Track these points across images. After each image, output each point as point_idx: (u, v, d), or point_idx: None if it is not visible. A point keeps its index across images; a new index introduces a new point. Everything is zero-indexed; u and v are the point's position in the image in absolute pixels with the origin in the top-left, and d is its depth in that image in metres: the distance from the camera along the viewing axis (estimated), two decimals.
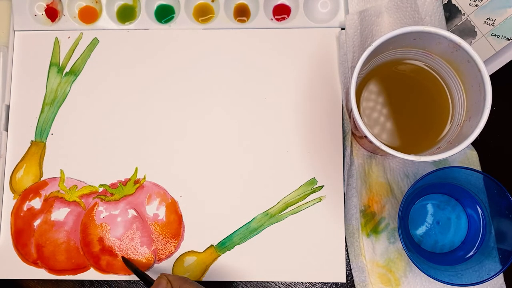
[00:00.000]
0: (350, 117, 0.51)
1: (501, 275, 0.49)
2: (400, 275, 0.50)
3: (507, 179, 0.46)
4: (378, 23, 0.51)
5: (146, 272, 0.51)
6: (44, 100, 0.53)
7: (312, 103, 0.52)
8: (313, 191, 0.51)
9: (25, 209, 0.52)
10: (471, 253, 0.48)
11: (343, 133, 0.52)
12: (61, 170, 0.52)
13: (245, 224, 0.51)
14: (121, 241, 0.51)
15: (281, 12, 0.54)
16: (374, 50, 0.42)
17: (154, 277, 0.50)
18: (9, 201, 0.52)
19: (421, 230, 0.50)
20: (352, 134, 0.51)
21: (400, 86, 0.48)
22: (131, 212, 0.52)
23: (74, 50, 0.54)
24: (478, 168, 0.51)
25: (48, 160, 0.52)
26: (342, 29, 0.53)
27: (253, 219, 0.51)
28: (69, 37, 0.54)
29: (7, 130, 0.53)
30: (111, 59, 0.54)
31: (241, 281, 0.51)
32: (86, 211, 0.52)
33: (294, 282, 0.51)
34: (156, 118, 0.53)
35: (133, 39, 0.54)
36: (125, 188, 0.52)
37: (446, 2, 0.51)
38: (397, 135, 0.47)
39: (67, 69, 0.54)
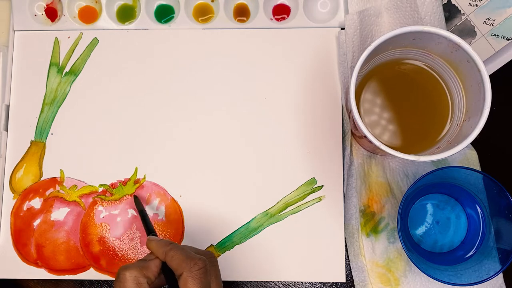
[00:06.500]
0: (349, 117, 0.51)
1: (501, 275, 0.49)
2: (399, 274, 0.50)
3: (507, 179, 0.46)
4: (378, 23, 0.51)
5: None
6: (44, 100, 0.53)
7: (312, 103, 0.52)
8: (313, 191, 0.51)
9: (25, 209, 0.52)
10: (470, 253, 0.48)
11: (343, 133, 0.52)
12: (61, 170, 0.52)
13: (245, 224, 0.51)
14: (120, 241, 0.51)
15: (280, 12, 0.54)
16: (374, 50, 0.42)
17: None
18: (9, 201, 0.52)
19: (420, 230, 0.50)
20: (351, 134, 0.51)
21: (400, 86, 0.48)
22: (131, 212, 0.52)
23: (74, 50, 0.54)
24: (478, 168, 0.51)
25: (48, 160, 0.53)
26: (342, 29, 0.53)
27: (253, 219, 0.51)
28: (69, 37, 0.54)
29: (7, 130, 0.53)
30: (111, 59, 0.54)
31: (241, 281, 0.51)
32: (85, 211, 0.52)
33: (294, 282, 0.51)
34: (156, 118, 0.53)
35: (133, 39, 0.54)
36: (125, 188, 0.52)
37: (445, 2, 0.51)
38: (397, 135, 0.47)
39: (67, 69, 0.54)
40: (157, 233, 0.51)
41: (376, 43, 0.42)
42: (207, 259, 0.40)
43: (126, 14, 0.55)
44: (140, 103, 0.53)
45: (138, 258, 0.51)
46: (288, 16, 0.54)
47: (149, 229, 0.46)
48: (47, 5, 0.55)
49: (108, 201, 0.52)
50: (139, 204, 0.50)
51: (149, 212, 0.52)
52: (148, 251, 0.51)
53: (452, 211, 0.50)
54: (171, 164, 0.52)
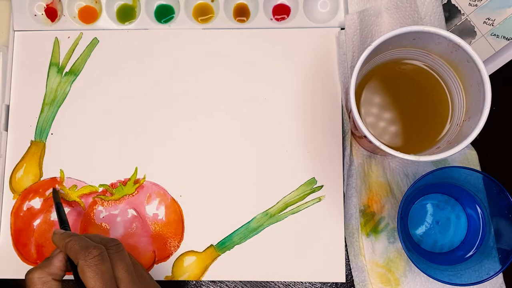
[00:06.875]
0: (349, 117, 0.51)
1: (501, 274, 0.49)
2: (399, 274, 0.50)
3: (507, 179, 0.46)
4: (378, 23, 0.51)
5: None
6: (44, 100, 0.53)
7: (312, 103, 0.52)
8: (313, 191, 0.51)
9: (25, 209, 0.52)
10: (470, 253, 0.48)
11: (343, 133, 0.52)
12: (61, 170, 0.52)
13: (244, 224, 0.51)
14: (121, 241, 0.51)
15: (280, 12, 0.54)
16: (374, 50, 0.42)
17: (154, 277, 0.51)
18: (9, 201, 0.52)
19: (420, 230, 0.50)
20: (351, 134, 0.51)
21: (400, 86, 0.48)
22: (131, 212, 0.52)
23: (74, 50, 0.54)
24: (478, 168, 0.51)
25: (48, 160, 0.53)
26: (342, 29, 0.53)
27: (252, 219, 0.51)
28: (69, 37, 0.54)
29: (7, 130, 0.53)
30: (111, 59, 0.54)
31: (241, 281, 0.51)
32: (85, 211, 0.52)
33: (294, 282, 0.51)
34: (156, 118, 0.53)
35: (132, 39, 0.54)
36: (125, 188, 0.52)
37: (445, 2, 0.51)
38: (397, 135, 0.47)
39: (67, 69, 0.54)
40: (157, 233, 0.51)
41: (376, 43, 0.42)
42: (112, 246, 0.40)
43: (126, 14, 0.55)
44: (140, 103, 0.53)
45: (138, 259, 0.51)
46: (288, 16, 0.54)
47: (62, 221, 0.46)
48: (47, 5, 0.55)
49: (108, 201, 0.52)
50: (56, 196, 0.50)
51: (149, 212, 0.52)
52: (147, 251, 0.51)
53: (452, 211, 0.50)
54: (171, 164, 0.52)
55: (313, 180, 0.52)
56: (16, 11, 0.54)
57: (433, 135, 0.47)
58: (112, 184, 0.52)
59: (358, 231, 0.50)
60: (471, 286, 0.44)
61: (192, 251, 0.51)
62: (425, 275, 0.44)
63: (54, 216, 0.52)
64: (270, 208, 0.51)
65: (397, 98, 0.48)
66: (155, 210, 0.52)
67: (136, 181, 0.52)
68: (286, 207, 0.51)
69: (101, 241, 0.41)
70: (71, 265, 0.40)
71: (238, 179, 0.52)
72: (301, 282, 0.51)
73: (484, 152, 0.51)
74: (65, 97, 0.53)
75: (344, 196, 0.51)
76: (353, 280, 0.50)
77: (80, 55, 0.54)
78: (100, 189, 0.52)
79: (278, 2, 0.54)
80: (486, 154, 0.51)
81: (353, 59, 0.50)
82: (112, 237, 0.43)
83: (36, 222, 0.52)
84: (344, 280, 0.50)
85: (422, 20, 0.49)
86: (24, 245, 0.52)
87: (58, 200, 0.49)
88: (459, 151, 0.40)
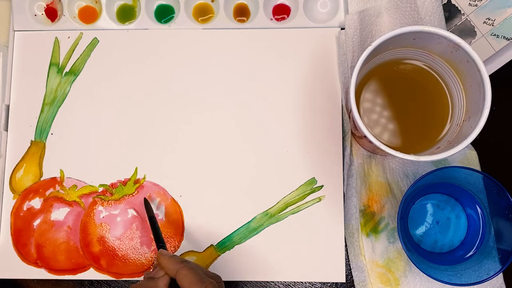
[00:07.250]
0: (349, 117, 0.51)
1: (501, 275, 0.49)
2: (399, 275, 0.50)
3: (507, 179, 0.46)
4: (378, 23, 0.51)
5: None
6: (44, 100, 0.53)
7: (312, 103, 0.52)
8: (313, 191, 0.51)
9: (25, 209, 0.52)
10: (470, 253, 0.48)
11: (343, 133, 0.52)
12: (61, 170, 0.52)
13: (245, 224, 0.51)
14: (120, 241, 0.51)
15: (280, 12, 0.54)
16: (374, 50, 0.42)
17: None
18: (9, 201, 0.52)
19: (420, 230, 0.50)
20: (351, 134, 0.51)
21: (400, 86, 0.48)
22: (131, 212, 0.52)
23: (74, 50, 0.54)
24: (478, 168, 0.51)
25: (48, 160, 0.53)
26: (342, 29, 0.53)
27: (253, 219, 0.51)
28: (69, 37, 0.54)
29: (7, 130, 0.53)
30: (111, 59, 0.54)
31: (241, 281, 0.51)
32: (85, 211, 0.52)
33: (294, 282, 0.51)
34: (156, 118, 0.53)
35: (132, 39, 0.54)
36: (125, 188, 0.52)
37: (445, 2, 0.51)
38: (397, 135, 0.47)
39: (67, 69, 0.54)
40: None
41: (376, 43, 0.42)
42: (218, 284, 0.41)
43: (126, 14, 0.55)
44: (140, 103, 0.53)
45: (138, 258, 0.51)
46: (288, 16, 0.54)
47: (159, 239, 0.46)
48: (47, 5, 0.55)
49: (108, 201, 0.52)
50: (149, 209, 0.49)
51: None
52: (147, 251, 0.51)
53: (452, 211, 0.50)
54: (171, 164, 0.52)
55: (313, 180, 0.52)
56: (16, 11, 0.54)
57: (433, 135, 0.47)
58: (112, 184, 0.52)
59: (358, 231, 0.50)
60: (471, 286, 0.44)
61: (192, 251, 0.51)
62: (425, 275, 0.44)
63: (54, 216, 0.52)
64: (270, 208, 0.51)
65: (397, 98, 0.48)
66: (155, 210, 0.52)
67: (136, 181, 0.52)
68: (286, 207, 0.51)
69: (208, 274, 0.42)
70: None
71: (238, 179, 0.52)
72: (301, 282, 0.51)
73: (484, 152, 0.51)
74: (65, 97, 0.53)
75: (344, 196, 0.51)
76: (353, 280, 0.50)
77: (80, 55, 0.54)
78: (100, 189, 0.52)
79: (278, 2, 0.54)
80: (486, 154, 0.51)
81: (353, 59, 0.50)
82: (214, 273, 0.43)
83: (36, 222, 0.52)
84: (344, 280, 0.50)
85: (422, 20, 0.49)
86: (24, 245, 0.52)
87: (152, 214, 0.48)
88: (459, 151, 0.40)
